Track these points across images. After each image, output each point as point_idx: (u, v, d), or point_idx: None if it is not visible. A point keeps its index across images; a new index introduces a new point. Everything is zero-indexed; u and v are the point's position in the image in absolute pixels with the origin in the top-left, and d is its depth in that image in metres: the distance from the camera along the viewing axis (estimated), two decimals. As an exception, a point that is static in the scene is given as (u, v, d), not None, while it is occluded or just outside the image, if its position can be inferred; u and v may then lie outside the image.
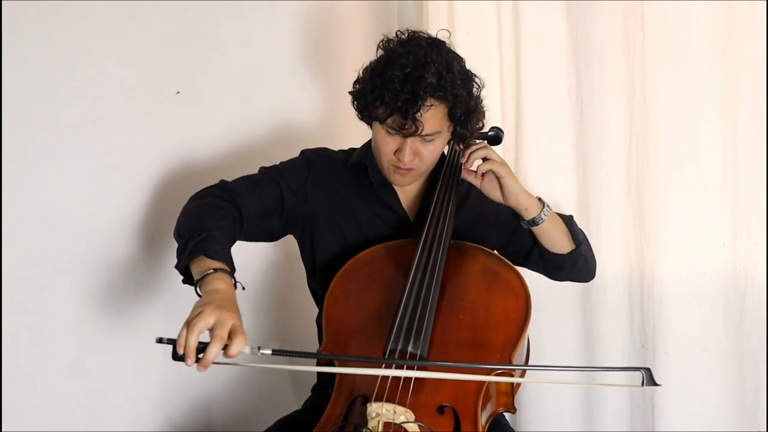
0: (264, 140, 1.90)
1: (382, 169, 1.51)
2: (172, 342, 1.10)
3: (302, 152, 1.60)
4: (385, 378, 1.20)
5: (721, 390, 1.89)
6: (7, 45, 1.29)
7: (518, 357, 1.31)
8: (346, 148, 1.68)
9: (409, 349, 1.24)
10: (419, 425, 1.15)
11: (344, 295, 1.40)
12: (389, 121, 1.39)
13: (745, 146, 1.84)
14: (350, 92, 1.52)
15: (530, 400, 2.14)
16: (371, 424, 1.13)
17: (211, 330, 1.10)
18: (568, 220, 1.58)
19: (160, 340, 1.11)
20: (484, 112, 1.51)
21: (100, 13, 1.46)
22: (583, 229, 1.63)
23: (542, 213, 1.50)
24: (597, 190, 2.02)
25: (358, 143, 1.70)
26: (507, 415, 1.62)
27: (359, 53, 1.66)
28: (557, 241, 1.54)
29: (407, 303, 1.30)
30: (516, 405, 1.32)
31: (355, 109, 1.51)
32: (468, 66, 1.48)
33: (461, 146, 1.57)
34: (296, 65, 2.02)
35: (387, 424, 1.13)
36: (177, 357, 1.09)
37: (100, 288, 1.49)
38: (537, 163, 2.10)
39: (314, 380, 1.63)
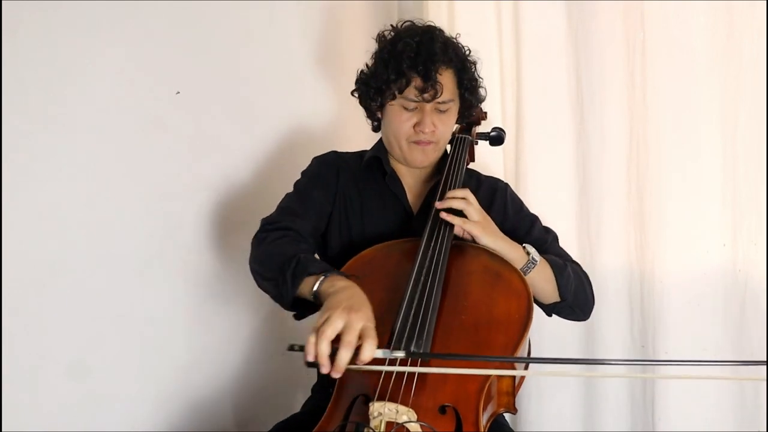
0: (263, 140, 1.90)
1: (401, 151, 1.54)
2: (303, 349, 1.09)
3: (314, 159, 1.64)
4: (387, 377, 1.19)
5: (721, 390, 1.89)
6: (7, 45, 1.28)
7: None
8: (349, 148, 1.69)
9: (412, 348, 1.23)
10: (421, 425, 1.14)
11: None
12: (409, 90, 1.46)
13: (745, 146, 1.84)
14: (357, 82, 1.58)
15: (531, 400, 2.14)
16: (373, 424, 1.12)
17: (341, 334, 1.10)
18: (558, 272, 1.48)
19: (291, 348, 1.12)
20: (483, 88, 1.62)
21: (100, 13, 1.45)
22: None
23: (527, 265, 1.44)
24: (597, 191, 2.02)
25: (359, 144, 1.70)
26: (507, 415, 1.61)
27: (359, 53, 1.66)
28: (541, 292, 1.48)
29: (410, 302, 1.30)
30: (516, 405, 1.32)
31: (367, 98, 1.56)
32: (484, 88, 1.64)
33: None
34: (296, 65, 2.03)
35: (389, 424, 1.12)
36: (310, 364, 1.09)
37: (100, 288, 1.49)
38: (537, 164, 2.10)
39: (314, 380, 1.63)
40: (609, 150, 1.99)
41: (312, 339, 1.10)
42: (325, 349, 1.08)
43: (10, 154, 1.30)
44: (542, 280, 1.47)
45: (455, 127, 1.64)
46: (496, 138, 1.71)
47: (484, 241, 1.44)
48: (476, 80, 1.58)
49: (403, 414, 1.14)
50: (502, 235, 1.47)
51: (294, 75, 2.02)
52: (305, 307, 1.35)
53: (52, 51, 1.37)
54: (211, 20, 1.73)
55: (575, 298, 1.52)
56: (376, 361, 1.13)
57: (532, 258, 1.44)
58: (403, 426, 1.12)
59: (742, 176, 1.85)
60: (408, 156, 1.54)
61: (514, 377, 1.27)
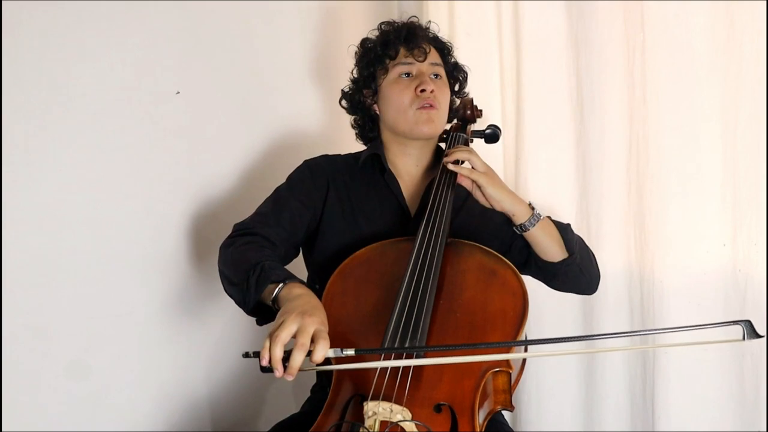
0: (263, 140, 1.90)
1: (407, 123, 1.55)
2: (257, 355, 1.11)
3: (304, 162, 1.65)
4: (382, 376, 1.20)
5: (721, 390, 1.88)
6: (7, 45, 1.29)
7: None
8: (349, 149, 1.70)
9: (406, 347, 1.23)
10: (416, 424, 1.14)
11: (341, 293, 1.40)
12: (399, 56, 1.56)
13: (745, 146, 1.83)
14: (344, 91, 1.64)
15: (531, 400, 2.14)
16: (368, 423, 1.12)
17: (294, 337, 1.12)
18: (563, 228, 1.53)
19: (246, 355, 1.13)
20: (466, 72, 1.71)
21: (100, 13, 1.46)
22: (581, 236, 1.62)
23: (530, 219, 1.46)
24: (597, 191, 2.02)
25: (357, 146, 1.71)
26: (507, 414, 1.62)
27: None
28: (548, 249, 1.50)
29: (404, 301, 1.30)
30: (516, 405, 1.32)
31: (359, 92, 1.62)
32: (468, 67, 1.71)
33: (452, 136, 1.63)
34: (295, 66, 2.03)
35: (384, 423, 1.13)
36: (264, 369, 1.11)
37: (99, 287, 1.49)
38: (537, 163, 2.10)
39: (313, 380, 1.63)
40: (609, 150, 1.99)
41: (266, 344, 1.11)
42: (278, 353, 1.10)
43: (10, 154, 1.31)
44: (547, 236, 1.49)
45: (449, 124, 1.64)
46: (492, 135, 1.71)
47: (489, 190, 1.45)
48: (459, 66, 1.68)
49: (398, 413, 1.14)
50: (507, 187, 1.49)
51: (294, 75, 2.02)
52: (269, 313, 1.34)
53: (52, 51, 1.38)
54: (211, 20, 1.74)
55: (582, 258, 1.54)
56: (369, 358, 1.13)
57: (537, 213, 1.47)
58: (398, 425, 1.13)
59: (742, 176, 1.84)
60: (414, 125, 1.54)
61: (509, 374, 1.27)
